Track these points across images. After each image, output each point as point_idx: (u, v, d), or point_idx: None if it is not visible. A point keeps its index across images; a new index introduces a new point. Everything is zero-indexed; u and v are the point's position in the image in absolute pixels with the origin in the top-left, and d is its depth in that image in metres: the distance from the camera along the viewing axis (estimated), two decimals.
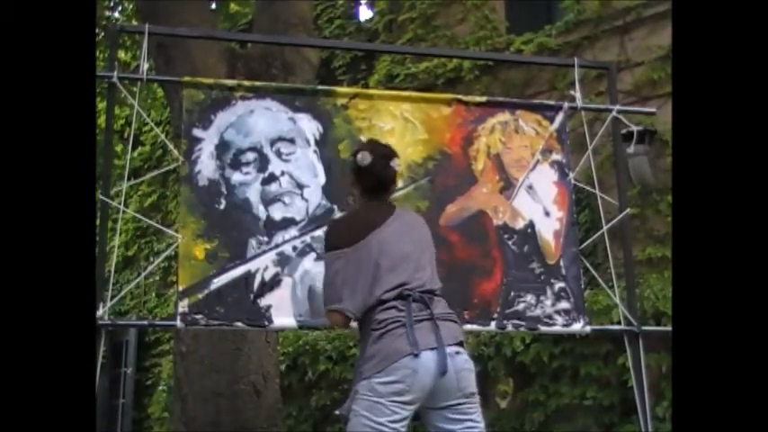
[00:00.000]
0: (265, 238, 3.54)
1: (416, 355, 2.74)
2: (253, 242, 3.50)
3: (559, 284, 3.77)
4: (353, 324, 2.97)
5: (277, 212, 3.57)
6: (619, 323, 4.21)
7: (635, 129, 4.47)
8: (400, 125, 3.80)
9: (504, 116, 3.93)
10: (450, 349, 2.79)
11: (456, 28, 8.94)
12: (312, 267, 3.52)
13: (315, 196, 3.63)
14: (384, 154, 3.06)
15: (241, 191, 3.57)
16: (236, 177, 3.56)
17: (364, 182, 3.06)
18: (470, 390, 2.83)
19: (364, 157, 3.01)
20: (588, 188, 4.11)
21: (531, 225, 3.81)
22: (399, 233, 2.98)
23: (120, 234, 10.58)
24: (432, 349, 2.77)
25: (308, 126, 3.70)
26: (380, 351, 2.77)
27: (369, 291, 2.86)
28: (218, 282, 3.43)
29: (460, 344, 2.86)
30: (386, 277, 2.85)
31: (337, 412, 2.93)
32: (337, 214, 3.61)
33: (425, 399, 2.79)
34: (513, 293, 3.71)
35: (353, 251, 2.90)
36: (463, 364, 2.81)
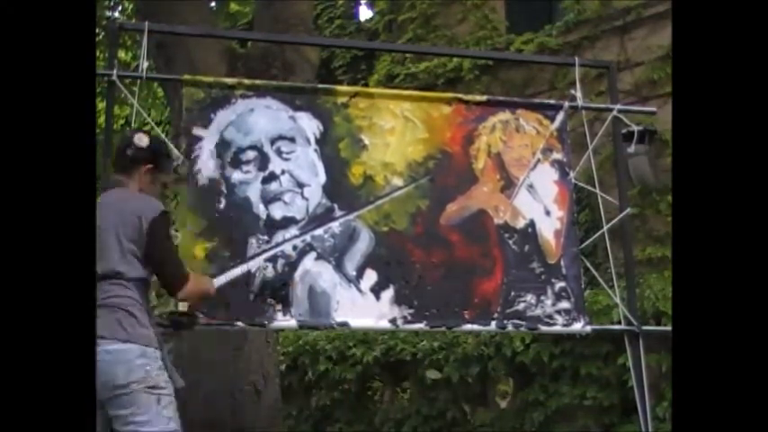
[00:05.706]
0: (265, 238, 3.53)
1: None
2: (253, 241, 3.49)
3: (560, 284, 3.76)
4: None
5: (277, 211, 3.57)
6: (619, 323, 4.22)
7: (635, 128, 4.46)
8: (401, 124, 3.79)
9: (504, 115, 3.93)
10: None
11: (456, 28, 8.94)
12: (312, 267, 3.52)
13: (315, 195, 3.62)
14: (131, 132, 3.11)
15: (241, 190, 3.56)
16: (237, 176, 3.56)
17: None
18: (117, 382, 2.72)
19: None
20: (588, 188, 4.11)
21: (531, 224, 3.81)
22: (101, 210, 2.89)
23: None
24: None
25: (309, 125, 3.70)
26: None
27: None
28: (218, 281, 3.42)
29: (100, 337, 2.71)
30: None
31: None
32: (338, 213, 3.61)
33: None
34: (513, 293, 3.70)
35: None
36: (101, 356, 2.69)
